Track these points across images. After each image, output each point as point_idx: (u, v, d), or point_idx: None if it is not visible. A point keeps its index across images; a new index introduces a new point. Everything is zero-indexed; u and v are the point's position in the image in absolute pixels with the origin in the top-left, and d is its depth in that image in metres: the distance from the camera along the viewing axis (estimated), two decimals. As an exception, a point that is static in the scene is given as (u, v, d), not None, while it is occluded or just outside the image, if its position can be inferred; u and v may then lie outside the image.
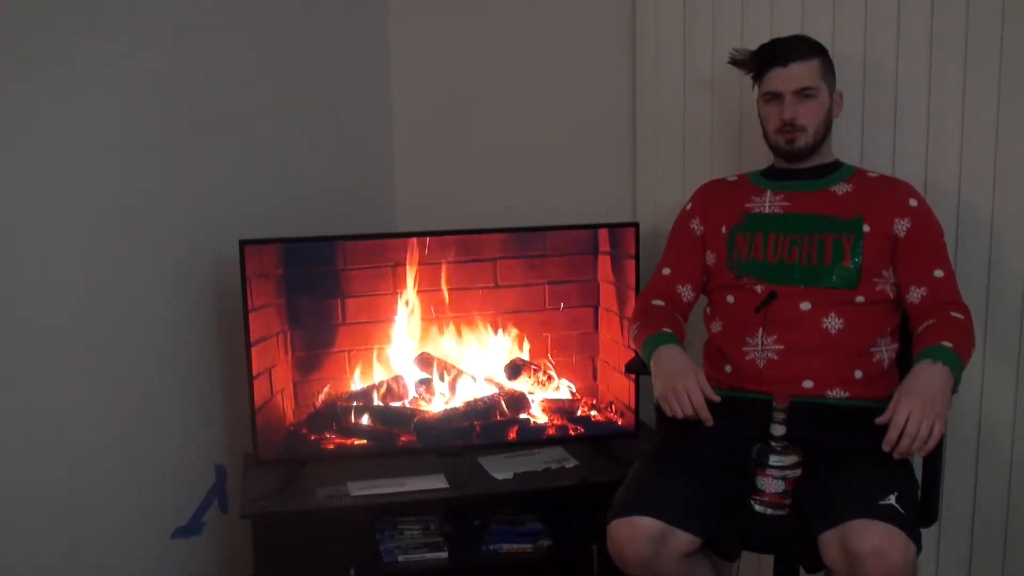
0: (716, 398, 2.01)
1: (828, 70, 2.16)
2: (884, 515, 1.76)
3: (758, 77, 2.18)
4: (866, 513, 1.76)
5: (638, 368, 2.36)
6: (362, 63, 2.95)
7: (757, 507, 1.94)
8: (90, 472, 2.35)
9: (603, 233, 2.69)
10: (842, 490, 1.84)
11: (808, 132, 2.13)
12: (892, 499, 1.79)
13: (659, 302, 2.25)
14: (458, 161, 2.98)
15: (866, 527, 1.74)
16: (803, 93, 2.11)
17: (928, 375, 1.88)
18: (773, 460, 1.92)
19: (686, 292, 2.27)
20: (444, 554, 2.47)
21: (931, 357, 1.91)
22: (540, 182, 2.91)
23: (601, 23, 2.81)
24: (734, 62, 2.25)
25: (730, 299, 2.19)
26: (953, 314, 2.03)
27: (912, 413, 1.83)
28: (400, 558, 2.45)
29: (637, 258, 2.56)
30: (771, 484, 1.92)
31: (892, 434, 1.84)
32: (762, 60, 2.16)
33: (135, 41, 2.37)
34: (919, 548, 1.79)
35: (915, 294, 2.09)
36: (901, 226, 2.10)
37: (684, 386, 1.99)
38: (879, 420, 1.86)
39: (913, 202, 2.13)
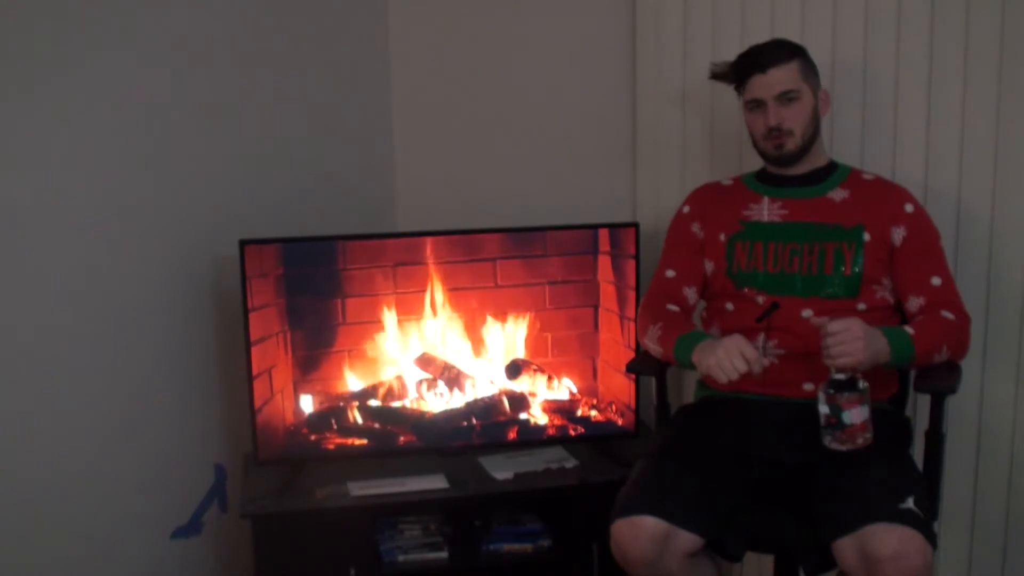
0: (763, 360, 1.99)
1: (809, 71, 2.14)
2: (903, 519, 1.75)
3: (739, 86, 2.18)
4: (885, 517, 1.76)
5: (638, 368, 2.37)
6: (362, 63, 2.95)
7: (843, 447, 1.88)
8: (90, 472, 2.35)
9: (603, 233, 2.69)
10: (858, 495, 1.83)
11: (796, 135, 2.12)
12: (911, 502, 1.79)
13: (674, 307, 2.23)
14: (458, 161, 2.98)
15: (885, 531, 1.74)
16: (785, 97, 2.10)
17: (875, 334, 1.92)
18: (860, 385, 1.87)
19: (691, 295, 2.26)
20: (444, 554, 2.47)
21: (884, 330, 1.96)
22: (540, 182, 2.91)
23: (601, 22, 2.81)
24: (715, 76, 2.24)
25: (729, 307, 2.19)
26: (943, 313, 2.04)
27: (852, 331, 1.87)
28: (400, 558, 2.45)
29: (637, 258, 2.56)
30: (858, 413, 1.87)
31: (825, 326, 1.89)
32: (741, 69, 2.15)
33: (134, 41, 2.37)
34: (935, 547, 1.78)
35: (914, 303, 2.09)
36: (898, 234, 2.10)
37: (734, 345, 1.96)
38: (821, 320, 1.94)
39: (909, 207, 2.12)
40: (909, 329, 2.00)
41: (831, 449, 1.89)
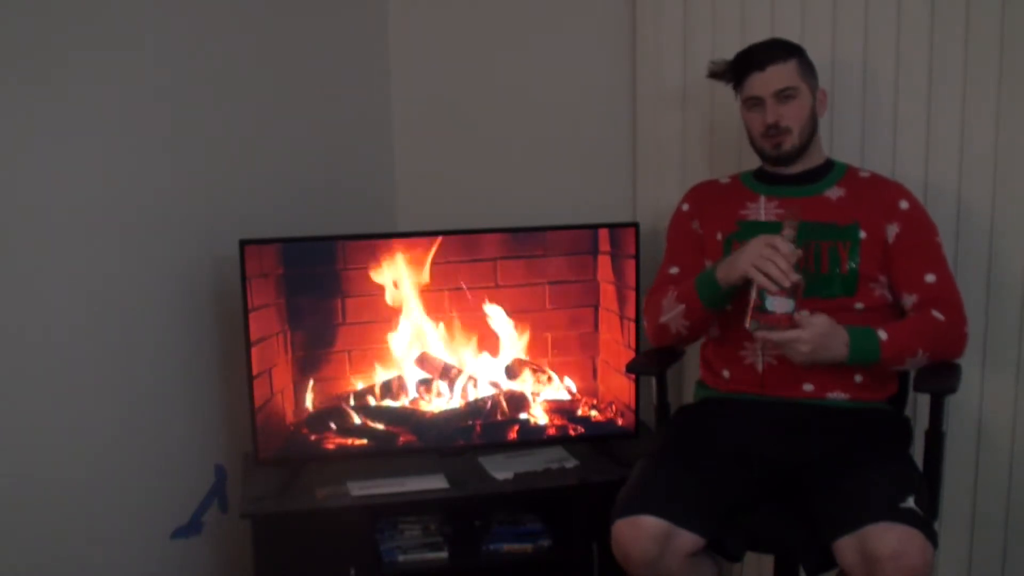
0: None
1: (807, 70, 2.14)
2: (903, 518, 1.75)
3: (738, 85, 2.18)
4: (885, 517, 1.75)
5: (638, 368, 2.37)
6: (362, 63, 2.95)
7: (764, 332, 1.96)
8: (90, 472, 2.35)
9: (603, 233, 2.69)
10: (858, 494, 1.83)
11: (794, 133, 2.12)
12: (911, 501, 1.79)
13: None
14: (458, 161, 2.97)
15: (885, 530, 1.74)
16: (784, 94, 2.10)
17: (836, 341, 1.96)
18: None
19: None
20: (444, 554, 2.47)
21: (853, 335, 1.97)
22: (540, 182, 2.91)
23: (601, 22, 2.81)
24: (713, 74, 2.24)
25: (728, 307, 2.19)
26: (934, 313, 2.03)
27: (805, 339, 1.93)
28: (400, 558, 2.45)
29: (637, 258, 2.56)
30: (780, 304, 1.93)
31: (780, 335, 1.94)
32: (739, 67, 2.15)
33: (135, 42, 2.37)
34: (935, 546, 1.78)
35: (907, 301, 2.09)
36: (892, 231, 2.09)
37: (759, 240, 1.98)
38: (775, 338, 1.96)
39: (904, 204, 2.12)
40: (882, 334, 1.98)
41: (753, 333, 1.97)
